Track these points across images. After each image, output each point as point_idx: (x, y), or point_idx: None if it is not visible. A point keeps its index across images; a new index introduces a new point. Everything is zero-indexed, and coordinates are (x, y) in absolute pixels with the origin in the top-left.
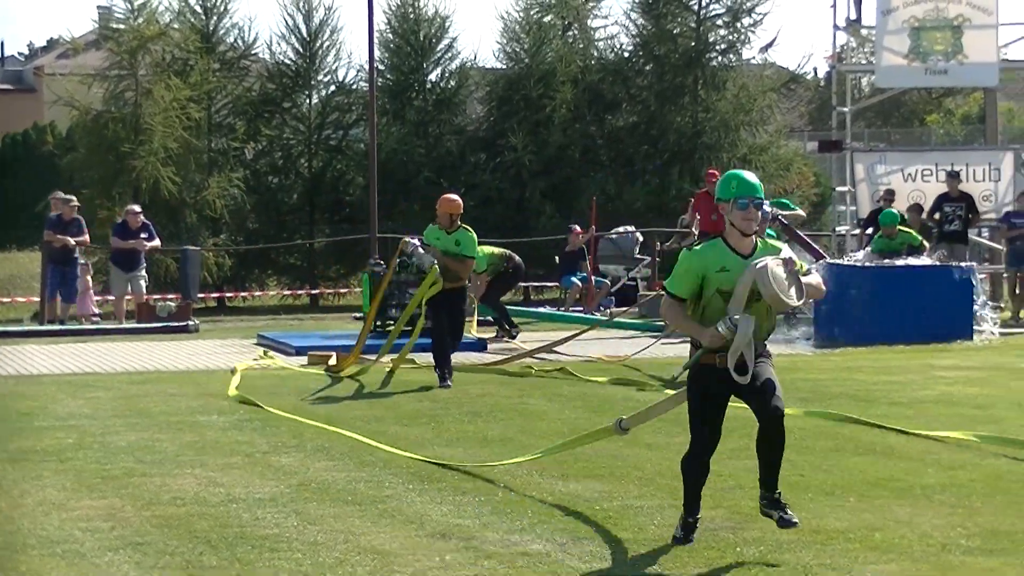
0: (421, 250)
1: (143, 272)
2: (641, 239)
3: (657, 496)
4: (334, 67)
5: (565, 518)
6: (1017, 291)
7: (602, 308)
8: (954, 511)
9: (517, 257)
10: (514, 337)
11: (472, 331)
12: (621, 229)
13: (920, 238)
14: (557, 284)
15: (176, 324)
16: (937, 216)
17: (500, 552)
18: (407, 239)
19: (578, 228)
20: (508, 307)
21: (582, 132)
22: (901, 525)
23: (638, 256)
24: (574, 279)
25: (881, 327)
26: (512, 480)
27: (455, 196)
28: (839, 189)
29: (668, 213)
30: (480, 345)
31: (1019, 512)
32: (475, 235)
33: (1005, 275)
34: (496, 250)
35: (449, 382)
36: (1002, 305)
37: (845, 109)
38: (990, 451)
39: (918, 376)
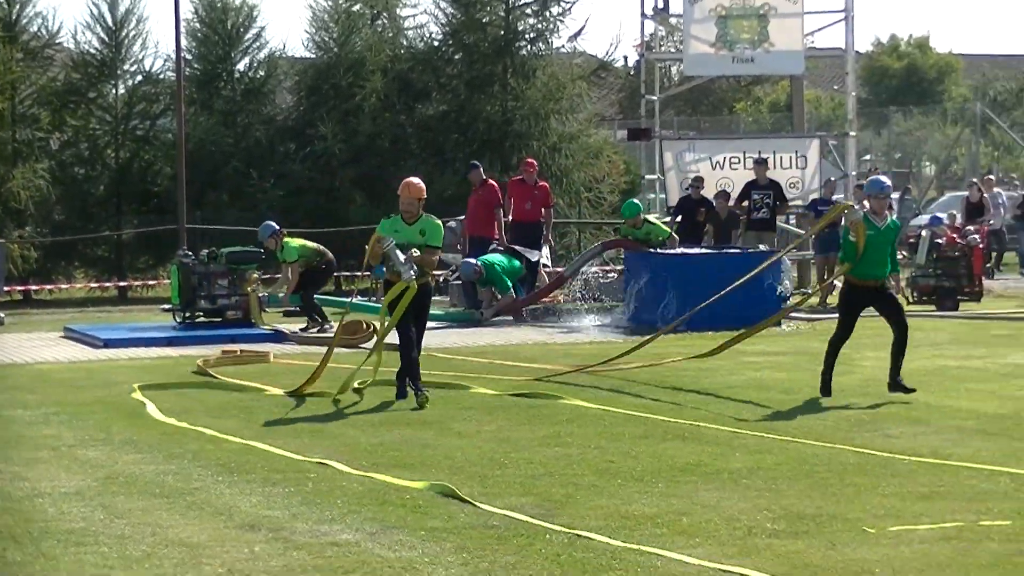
0: (399, 253)
1: None
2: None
3: (467, 484)
4: (140, 57)
5: (375, 508)
6: (825, 277)
7: None
8: (760, 495)
9: (330, 254)
10: (325, 330)
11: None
12: (453, 223)
13: (669, 231)
14: (369, 274)
15: None
16: (745, 203)
17: (309, 543)
18: (381, 236)
19: None
20: (319, 297)
21: (392, 121)
22: (708, 509)
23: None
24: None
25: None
26: (323, 470)
27: (417, 179)
28: (648, 177)
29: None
30: (277, 337)
31: (823, 495)
32: (439, 223)
33: (813, 262)
34: (310, 244)
35: (425, 392)
36: (810, 291)
37: (654, 97)
38: (797, 434)
39: (727, 362)
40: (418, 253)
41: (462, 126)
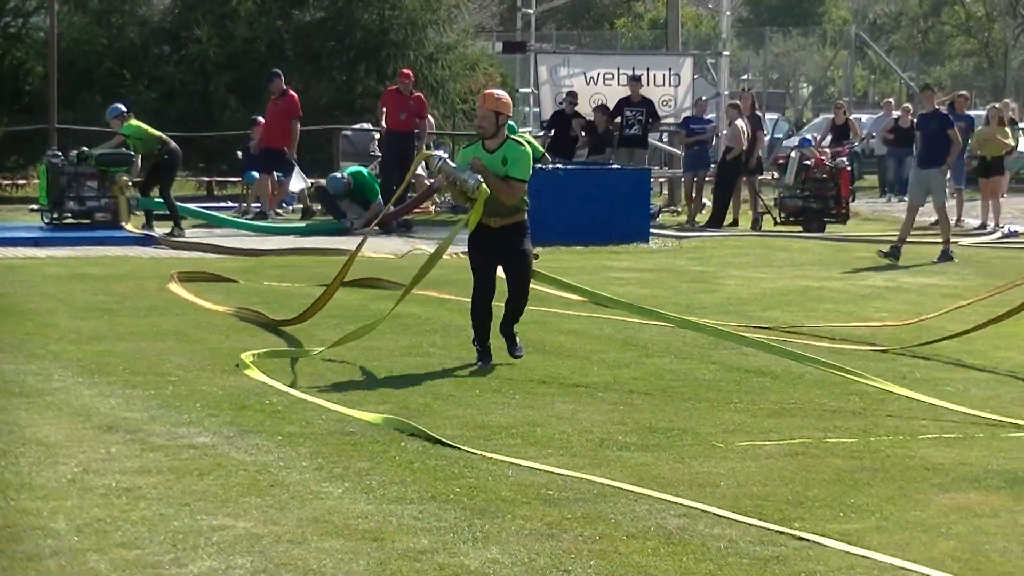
0: (451, 163)
1: None
2: (377, 136)
3: (326, 391)
4: None
5: (233, 412)
6: (694, 195)
7: (284, 206)
8: (615, 408)
9: (173, 143)
10: (180, 236)
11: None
12: (356, 126)
13: (543, 150)
14: (240, 179)
15: None
16: (618, 120)
17: (166, 444)
18: (431, 152)
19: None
20: (184, 204)
21: (268, 26)
22: (563, 421)
23: (373, 153)
24: (256, 175)
25: (560, 229)
26: (183, 374)
27: (499, 91)
28: (523, 90)
29: (356, 111)
30: (147, 241)
31: (676, 410)
32: (529, 149)
33: (683, 180)
34: (153, 131)
35: (489, 361)
36: (679, 209)
37: (531, 11)
38: (656, 351)
39: (593, 277)
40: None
41: (339, 34)
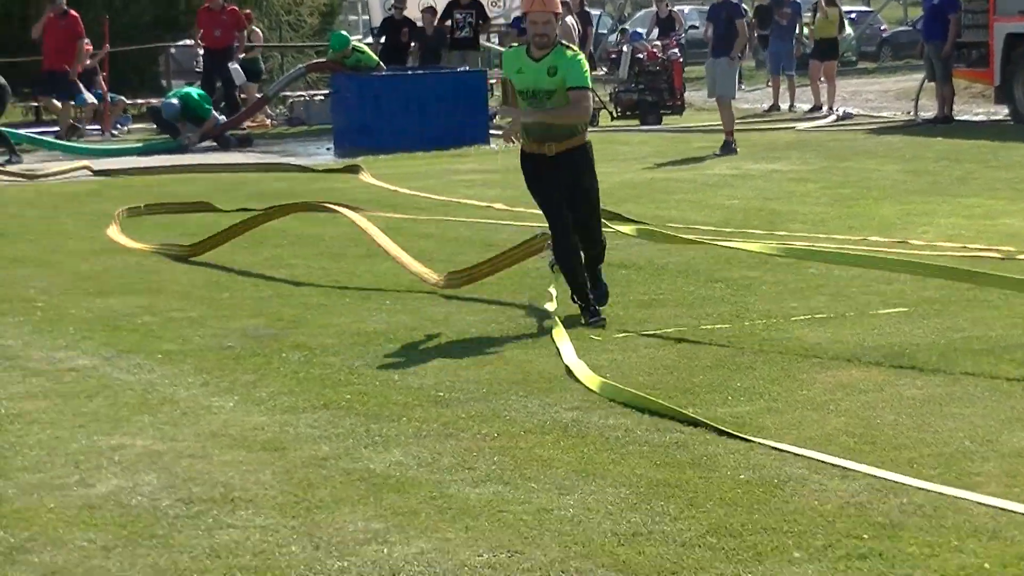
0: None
1: None
2: (202, 52)
3: (197, 308)
4: None
5: (108, 333)
6: None
7: (119, 127)
8: (488, 307)
9: (2, 78)
10: (15, 163)
11: None
12: (180, 43)
13: (377, 59)
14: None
15: None
16: (448, 23)
17: (47, 369)
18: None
19: (88, 44)
20: (10, 130)
21: None
22: (438, 324)
23: (197, 70)
24: (88, 97)
25: (398, 135)
26: (49, 299)
27: None
28: None
29: (180, 27)
30: None
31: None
32: (582, 55)
33: None
34: None
35: (600, 315)
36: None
37: None
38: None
39: (438, 181)
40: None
41: None
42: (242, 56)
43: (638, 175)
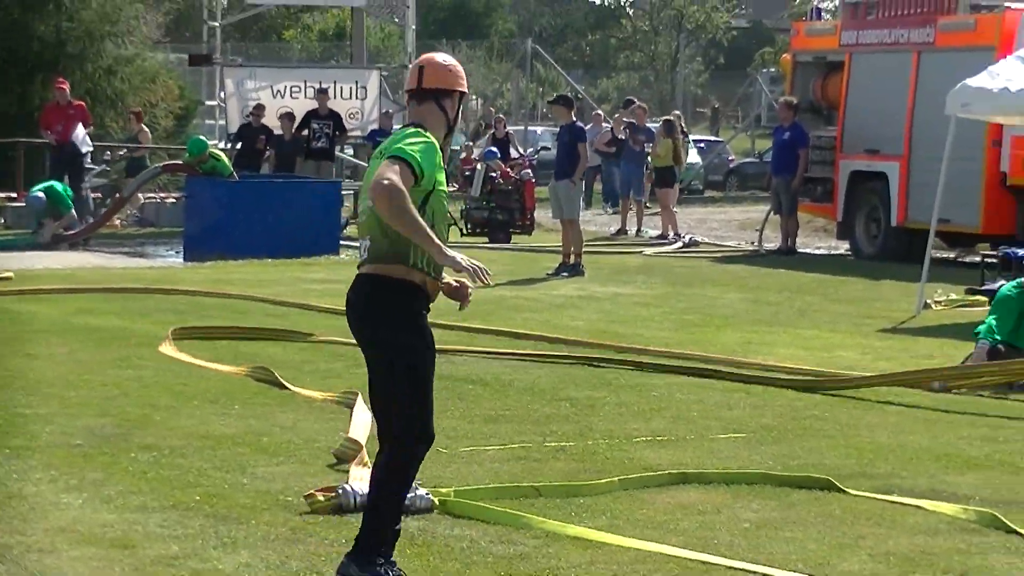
0: None
1: None
2: (90, 147)
3: (45, 405)
4: None
5: None
6: None
7: None
8: (335, 417)
9: None
10: None
11: None
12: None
13: (231, 169)
14: None
15: None
16: (305, 132)
17: None
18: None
19: None
20: None
21: None
22: (286, 431)
23: (89, 165)
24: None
25: (249, 241)
26: None
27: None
28: (208, 103)
29: (35, 123)
30: None
31: None
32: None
33: None
34: None
35: None
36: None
37: (216, 23)
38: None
39: (289, 288)
40: None
41: (13, 45)
42: (121, 155)
43: (486, 292)
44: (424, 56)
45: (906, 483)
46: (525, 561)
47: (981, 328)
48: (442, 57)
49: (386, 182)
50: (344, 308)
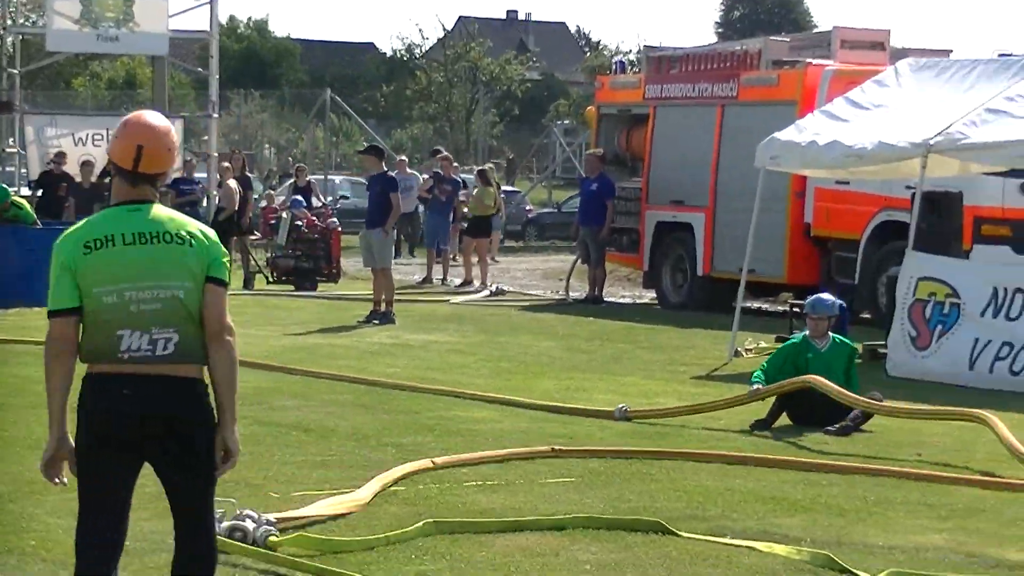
0: None
1: None
2: None
3: None
4: None
5: None
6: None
7: None
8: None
9: None
10: None
11: None
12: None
13: (34, 217)
14: None
15: None
16: (108, 181)
17: None
18: None
19: None
20: None
21: None
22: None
23: None
24: None
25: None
26: None
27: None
28: (8, 150)
29: None
30: None
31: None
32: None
33: None
34: None
35: None
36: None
37: (16, 71)
38: None
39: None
40: None
41: None
42: None
43: (300, 340)
44: (141, 128)
45: (737, 525)
46: None
47: (757, 375)
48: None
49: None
50: None
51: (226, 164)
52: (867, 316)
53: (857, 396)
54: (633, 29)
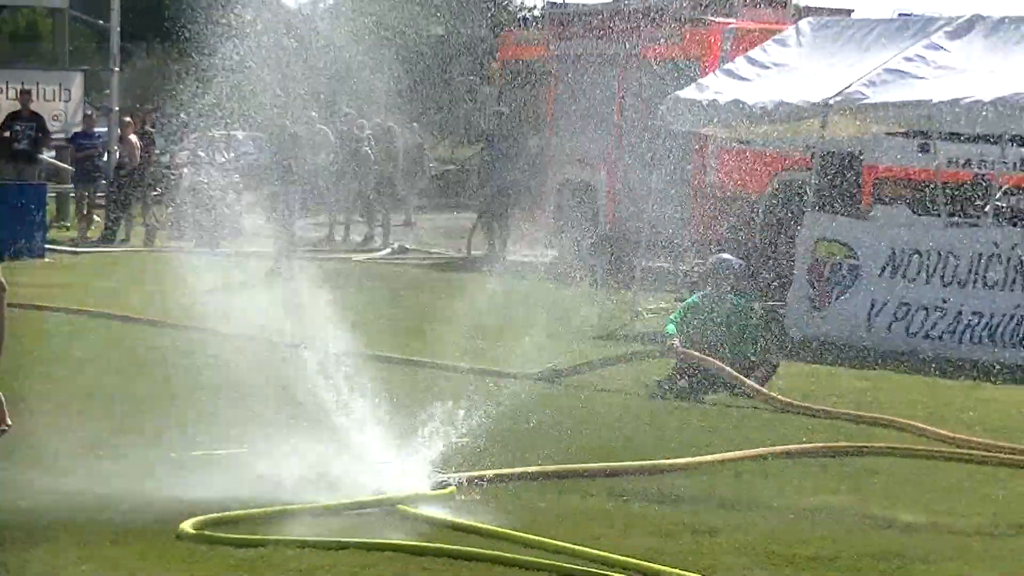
0: None
1: None
2: None
3: None
4: None
5: None
6: (85, 211)
7: None
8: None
9: None
10: None
11: None
12: None
13: None
14: None
15: None
16: (8, 134)
17: None
18: None
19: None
20: None
21: None
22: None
23: None
24: None
25: None
26: None
27: None
28: None
29: None
30: None
31: (135, 421)
32: None
33: (73, 195)
34: None
35: None
36: (68, 224)
37: None
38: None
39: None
40: None
41: None
42: None
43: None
44: None
45: None
46: None
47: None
48: None
49: None
50: None
51: (127, 119)
52: (767, 276)
53: (746, 379)
54: None
